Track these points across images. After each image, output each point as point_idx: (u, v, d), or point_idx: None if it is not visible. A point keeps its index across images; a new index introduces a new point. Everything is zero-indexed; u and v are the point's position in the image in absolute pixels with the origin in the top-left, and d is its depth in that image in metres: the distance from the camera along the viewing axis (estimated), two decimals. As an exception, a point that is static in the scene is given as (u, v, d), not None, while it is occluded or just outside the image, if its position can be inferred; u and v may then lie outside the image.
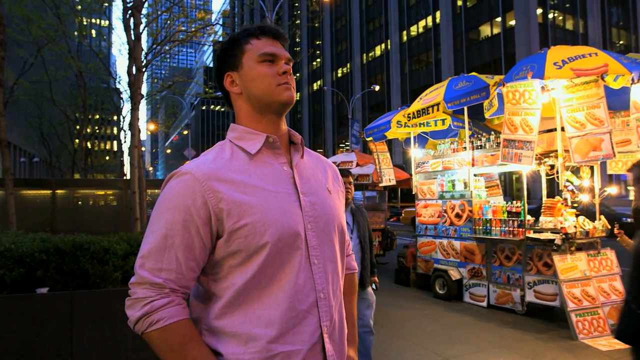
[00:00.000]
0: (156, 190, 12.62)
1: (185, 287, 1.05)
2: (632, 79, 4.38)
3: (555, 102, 4.83)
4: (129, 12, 6.02)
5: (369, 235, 3.89)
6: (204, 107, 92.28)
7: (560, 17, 31.36)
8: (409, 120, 7.11)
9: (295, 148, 1.22)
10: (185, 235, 1.02)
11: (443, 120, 7.13)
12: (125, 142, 27.04)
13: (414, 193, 7.72)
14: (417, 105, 6.89)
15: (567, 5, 31.54)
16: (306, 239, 1.10)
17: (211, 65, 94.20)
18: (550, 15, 30.45)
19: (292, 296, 1.06)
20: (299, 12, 52.68)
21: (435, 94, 6.72)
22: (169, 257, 1.02)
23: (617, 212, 13.89)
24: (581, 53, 4.65)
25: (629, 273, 2.97)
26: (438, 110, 6.29)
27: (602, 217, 5.85)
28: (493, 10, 31.30)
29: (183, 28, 9.25)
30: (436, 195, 7.22)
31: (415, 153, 7.94)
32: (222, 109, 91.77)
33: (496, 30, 31.27)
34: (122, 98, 21.01)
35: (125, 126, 24.62)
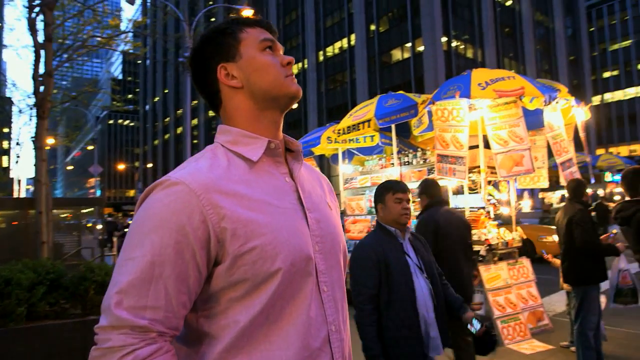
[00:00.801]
0: (55, 211, 11.27)
1: (174, 328, 0.82)
2: (545, 101, 4.80)
3: (482, 120, 5.14)
4: (36, 9, 5.36)
5: (435, 266, 2.64)
6: (111, 121, 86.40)
7: (462, 46, 34.35)
8: (338, 136, 7.15)
9: (294, 157, 1.05)
10: (178, 262, 0.80)
11: (372, 136, 7.27)
12: (19, 157, 24.23)
13: (342, 209, 7.73)
14: (347, 121, 6.96)
15: (467, 37, 34.67)
16: (315, 263, 0.94)
17: (120, 77, 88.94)
18: (454, 44, 33.22)
19: (304, 332, 0.88)
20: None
21: (365, 110, 6.84)
22: (156, 291, 0.79)
23: (523, 222, 15.22)
24: (501, 76, 5.02)
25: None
26: (369, 126, 6.39)
27: (519, 227, 6.30)
28: (403, 36, 33.39)
29: (94, 34, 8.48)
30: (365, 211, 7.28)
31: (344, 169, 7.99)
32: (132, 124, 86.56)
33: (406, 55, 33.35)
34: (18, 107, 18.78)
35: (23, 138, 22.10)
